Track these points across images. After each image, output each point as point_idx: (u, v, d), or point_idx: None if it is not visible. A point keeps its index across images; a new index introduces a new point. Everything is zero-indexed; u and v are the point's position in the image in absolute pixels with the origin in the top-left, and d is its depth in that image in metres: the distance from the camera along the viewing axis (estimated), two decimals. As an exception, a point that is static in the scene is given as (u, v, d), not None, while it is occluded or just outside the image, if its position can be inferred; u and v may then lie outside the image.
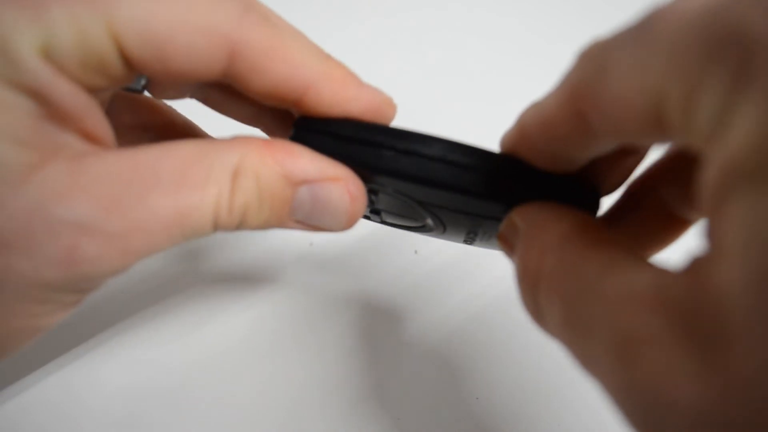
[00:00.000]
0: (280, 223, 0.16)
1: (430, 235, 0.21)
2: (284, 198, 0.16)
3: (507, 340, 0.26)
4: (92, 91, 0.14)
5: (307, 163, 0.16)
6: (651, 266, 0.11)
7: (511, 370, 0.26)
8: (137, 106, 0.20)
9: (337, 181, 0.16)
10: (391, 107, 0.17)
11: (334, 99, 0.16)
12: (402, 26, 0.39)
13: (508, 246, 0.16)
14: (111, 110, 0.19)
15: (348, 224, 0.17)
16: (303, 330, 0.26)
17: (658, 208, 0.16)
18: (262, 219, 0.16)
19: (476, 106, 0.36)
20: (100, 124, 0.15)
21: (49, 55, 0.13)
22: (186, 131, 0.21)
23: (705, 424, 0.09)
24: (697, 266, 0.10)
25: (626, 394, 0.11)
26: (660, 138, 0.11)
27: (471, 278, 0.28)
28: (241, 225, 0.15)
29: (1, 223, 0.13)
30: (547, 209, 0.15)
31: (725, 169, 0.09)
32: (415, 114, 0.27)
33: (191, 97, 0.20)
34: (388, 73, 0.36)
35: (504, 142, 0.16)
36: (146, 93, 0.20)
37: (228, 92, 0.19)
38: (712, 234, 0.09)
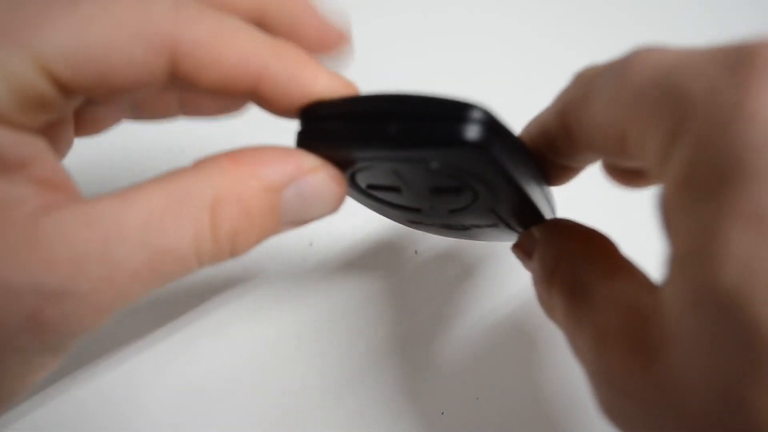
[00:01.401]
0: (273, 234, 0.16)
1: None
2: (273, 208, 0.15)
3: (506, 340, 0.26)
4: (42, 128, 0.14)
5: (282, 163, 0.15)
6: (636, 276, 0.14)
7: (511, 370, 0.26)
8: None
9: (317, 171, 0.16)
10: (353, 89, 0.17)
11: (292, 82, 0.15)
12: (399, 27, 0.39)
13: (524, 253, 0.19)
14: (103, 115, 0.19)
15: (337, 206, 0.17)
16: (301, 331, 0.26)
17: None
18: (255, 238, 0.15)
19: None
20: (54, 168, 0.14)
21: None
22: None
23: (643, 409, 0.12)
24: (662, 282, 0.12)
25: (595, 379, 0.13)
26: (626, 159, 0.14)
27: (470, 278, 0.28)
28: (234, 251, 0.15)
29: None
30: (562, 223, 0.18)
31: (668, 195, 0.11)
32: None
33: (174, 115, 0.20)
34: (386, 75, 0.36)
35: None
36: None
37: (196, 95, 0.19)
38: (667, 248, 0.12)
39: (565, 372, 0.26)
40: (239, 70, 0.15)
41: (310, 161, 0.16)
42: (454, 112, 0.13)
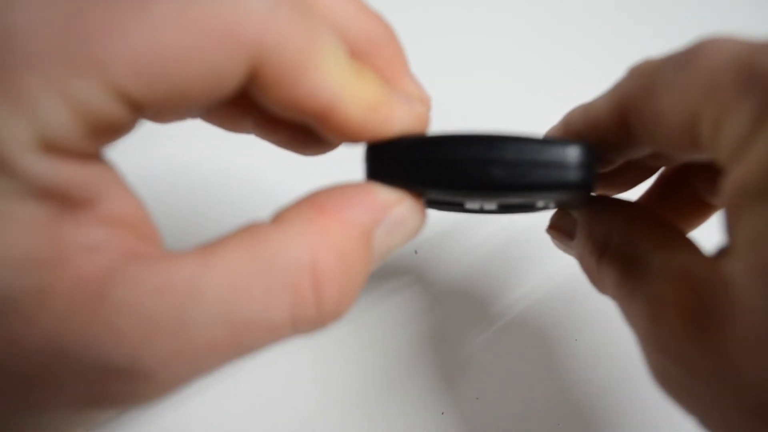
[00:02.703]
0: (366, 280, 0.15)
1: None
2: (369, 255, 0.14)
3: (506, 339, 0.26)
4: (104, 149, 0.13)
5: (368, 203, 0.14)
6: (690, 247, 0.14)
7: (511, 371, 0.26)
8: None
9: (400, 204, 0.15)
10: (424, 121, 0.16)
11: (366, 119, 0.14)
12: (399, 26, 0.39)
13: (563, 234, 0.19)
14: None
15: (419, 232, 0.16)
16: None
17: (689, 193, 0.19)
18: (356, 293, 0.14)
19: (477, 108, 0.36)
20: (125, 201, 0.13)
21: (49, 145, 0.11)
22: None
23: (695, 375, 0.12)
24: (719, 255, 0.13)
25: (648, 345, 0.13)
26: (691, 151, 0.13)
27: (470, 278, 0.28)
28: (338, 314, 0.14)
29: (18, 362, 0.11)
30: (607, 199, 0.17)
31: (741, 186, 0.11)
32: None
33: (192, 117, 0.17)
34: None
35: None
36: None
37: (238, 108, 0.17)
38: (729, 233, 0.12)
39: (566, 372, 0.26)
40: (313, 98, 0.13)
41: (392, 195, 0.15)
42: (556, 156, 0.14)
